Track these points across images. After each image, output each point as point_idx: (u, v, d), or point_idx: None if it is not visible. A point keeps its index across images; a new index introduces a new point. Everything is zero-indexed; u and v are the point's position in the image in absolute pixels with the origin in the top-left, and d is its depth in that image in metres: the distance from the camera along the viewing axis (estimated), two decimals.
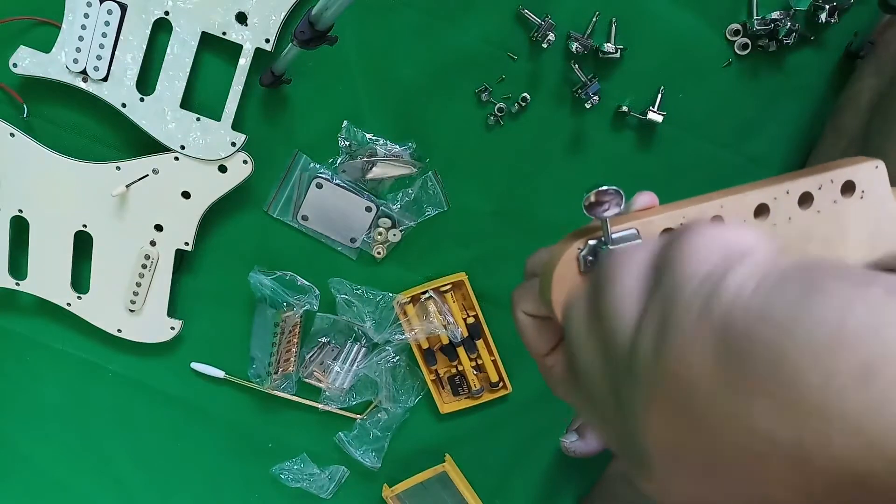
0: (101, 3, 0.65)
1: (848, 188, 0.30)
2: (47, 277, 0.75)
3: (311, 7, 0.54)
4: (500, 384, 0.79)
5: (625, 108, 0.70)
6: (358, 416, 0.81)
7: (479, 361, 0.78)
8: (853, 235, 0.31)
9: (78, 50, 0.66)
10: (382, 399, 0.79)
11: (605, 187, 0.26)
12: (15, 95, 0.70)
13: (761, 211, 0.30)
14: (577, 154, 0.73)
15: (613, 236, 0.27)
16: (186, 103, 0.68)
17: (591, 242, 0.28)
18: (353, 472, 0.84)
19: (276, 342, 0.77)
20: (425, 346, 0.77)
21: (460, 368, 0.78)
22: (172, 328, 0.77)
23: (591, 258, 0.28)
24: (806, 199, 0.30)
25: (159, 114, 0.68)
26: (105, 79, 0.67)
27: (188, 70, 0.67)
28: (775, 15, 0.66)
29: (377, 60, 0.70)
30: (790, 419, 0.19)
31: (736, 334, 0.20)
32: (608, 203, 0.27)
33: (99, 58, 0.66)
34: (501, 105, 0.71)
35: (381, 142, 0.72)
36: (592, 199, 0.27)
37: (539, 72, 0.70)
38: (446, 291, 0.75)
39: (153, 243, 0.73)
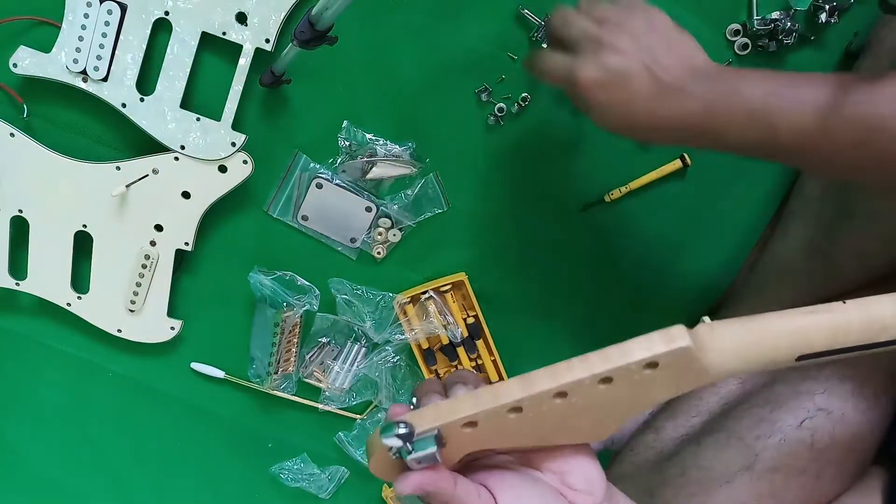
0: (101, 3, 0.65)
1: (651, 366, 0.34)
2: (47, 277, 0.75)
3: (311, 7, 0.54)
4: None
5: None
6: (358, 416, 0.81)
7: (479, 361, 0.78)
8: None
9: (78, 50, 0.66)
10: (382, 399, 0.79)
11: (396, 424, 0.34)
12: (15, 95, 0.70)
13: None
14: (576, 154, 0.73)
15: (413, 455, 0.34)
16: (186, 103, 0.69)
17: (398, 445, 0.34)
18: (352, 472, 0.84)
19: (276, 342, 0.77)
20: (425, 346, 0.77)
21: (460, 368, 0.78)
22: (172, 328, 0.77)
23: (398, 455, 0.35)
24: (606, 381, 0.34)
25: (159, 114, 0.68)
26: (105, 79, 0.67)
27: (188, 70, 0.67)
28: (775, 15, 0.66)
29: (377, 61, 0.70)
30: None
31: None
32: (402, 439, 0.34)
33: (99, 58, 0.67)
34: (501, 105, 0.71)
35: (381, 142, 0.72)
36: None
37: None
38: (446, 291, 0.75)
39: (153, 243, 0.73)
